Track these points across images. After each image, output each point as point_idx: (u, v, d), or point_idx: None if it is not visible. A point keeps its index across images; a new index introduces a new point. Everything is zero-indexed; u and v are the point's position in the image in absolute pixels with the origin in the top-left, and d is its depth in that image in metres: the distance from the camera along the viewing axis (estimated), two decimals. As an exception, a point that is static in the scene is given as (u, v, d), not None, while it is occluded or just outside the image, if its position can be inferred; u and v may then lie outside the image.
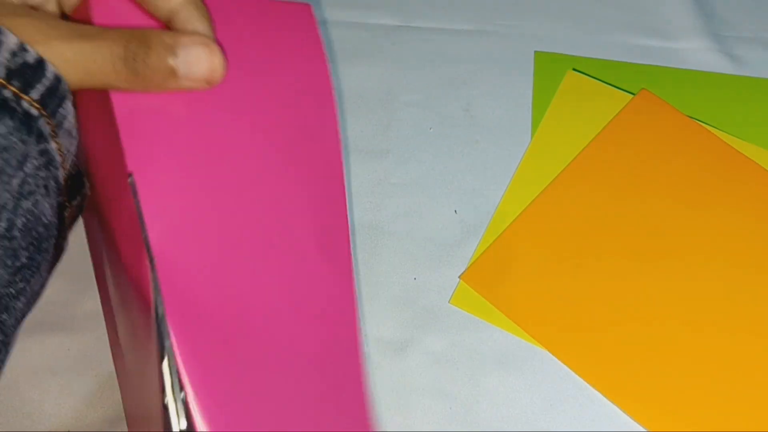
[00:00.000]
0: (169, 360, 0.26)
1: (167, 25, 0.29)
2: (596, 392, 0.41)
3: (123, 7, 0.29)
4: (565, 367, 0.42)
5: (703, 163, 0.47)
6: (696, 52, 0.53)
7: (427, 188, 0.47)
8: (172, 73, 0.27)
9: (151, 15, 0.29)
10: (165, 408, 0.26)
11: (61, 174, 0.28)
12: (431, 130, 0.49)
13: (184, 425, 0.25)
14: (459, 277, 0.44)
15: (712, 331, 0.42)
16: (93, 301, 0.41)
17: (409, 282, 0.44)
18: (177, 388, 0.26)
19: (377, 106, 0.50)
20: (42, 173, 0.27)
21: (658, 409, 0.40)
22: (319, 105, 0.32)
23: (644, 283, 0.44)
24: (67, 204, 0.30)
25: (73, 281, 0.42)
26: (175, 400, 0.26)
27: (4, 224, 0.26)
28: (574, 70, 0.51)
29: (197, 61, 0.28)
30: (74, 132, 0.28)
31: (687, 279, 0.44)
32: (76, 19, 0.30)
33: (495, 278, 0.44)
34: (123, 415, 0.39)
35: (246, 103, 0.30)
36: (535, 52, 0.52)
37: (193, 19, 0.28)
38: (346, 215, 0.34)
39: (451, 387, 0.41)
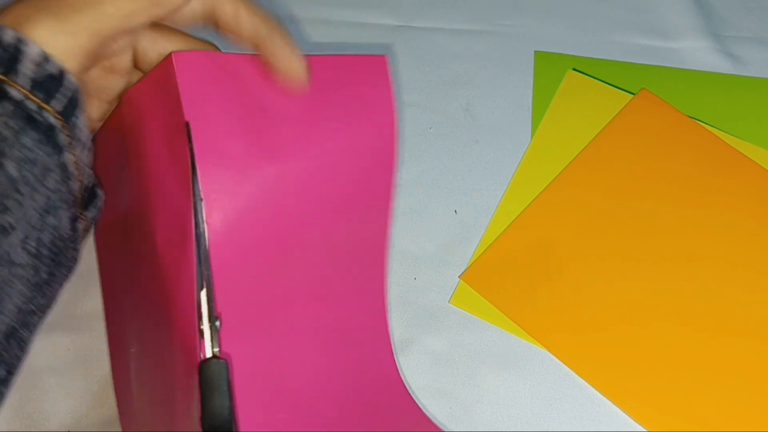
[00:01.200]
0: (207, 289, 0.28)
1: (255, 47, 0.30)
2: (596, 392, 0.41)
3: (211, 74, 0.29)
4: (565, 367, 0.42)
5: (703, 163, 0.47)
6: (696, 52, 0.53)
7: (427, 188, 0.47)
8: None
9: (242, 86, 0.30)
10: (201, 333, 0.28)
11: (76, 186, 0.28)
12: (431, 130, 0.49)
13: (216, 349, 0.28)
14: (459, 277, 0.44)
15: (712, 331, 0.42)
16: (93, 301, 0.41)
17: (409, 282, 0.44)
18: (213, 316, 0.28)
19: (377, 106, 0.50)
20: (62, 187, 0.27)
21: (658, 409, 0.40)
22: (380, 164, 0.34)
23: (644, 282, 0.44)
24: (80, 216, 0.30)
25: (73, 281, 0.41)
26: (211, 328, 0.28)
27: (33, 244, 0.27)
28: (574, 70, 0.51)
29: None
30: (88, 144, 0.29)
31: (687, 279, 0.44)
32: (150, 83, 0.30)
33: (495, 278, 0.44)
34: (123, 415, 0.39)
35: (316, 159, 0.31)
36: (535, 52, 0.52)
37: (277, 38, 0.30)
38: (386, 262, 0.37)
39: (451, 387, 0.41)
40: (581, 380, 0.41)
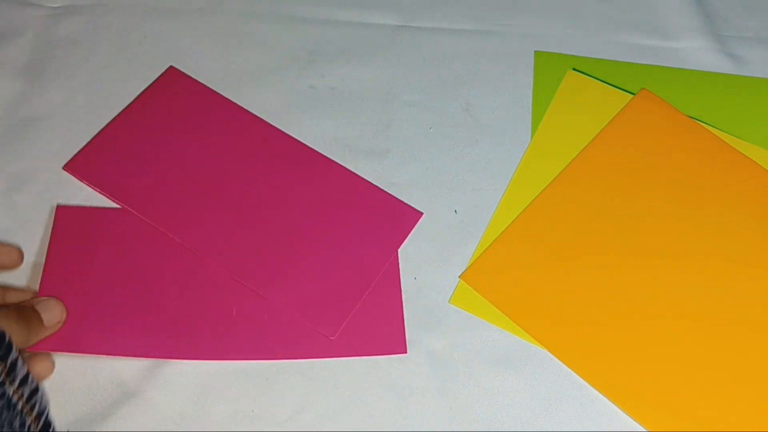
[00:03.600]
0: None
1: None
2: (596, 392, 0.41)
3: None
4: (565, 367, 0.42)
5: (703, 163, 0.47)
6: (696, 52, 0.53)
7: (427, 188, 0.47)
8: (42, 325, 0.39)
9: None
10: None
11: (29, 421, 0.34)
12: (431, 130, 0.49)
13: None
14: (459, 277, 0.44)
15: (713, 331, 0.42)
16: (93, 301, 0.41)
17: (409, 282, 0.44)
18: None
19: (377, 106, 0.50)
20: (5, 413, 0.33)
21: (658, 408, 0.40)
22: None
23: (644, 282, 0.44)
24: None
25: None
26: None
27: None
28: (574, 70, 0.51)
29: (53, 310, 0.40)
30: (34, 384, 0.35)
31: (687, 279, 0.44)
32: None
33: (495, 278, 0.44)
34: (123, 414, 0.39)
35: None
36: (535, 52, 0.52)
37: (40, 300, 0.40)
38: None
39: (451, 387, 0.41)
40: (581, 380, 0.41)
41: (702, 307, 0.43)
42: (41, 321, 0.39)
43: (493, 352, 0.42)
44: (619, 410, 0.40)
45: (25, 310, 0.38)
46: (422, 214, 0.45)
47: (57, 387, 0.40)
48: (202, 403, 0.40)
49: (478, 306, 0.43)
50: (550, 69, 0.51)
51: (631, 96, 0.50)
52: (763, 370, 0.41)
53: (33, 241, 0.43)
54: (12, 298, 0.41)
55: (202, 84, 0.48)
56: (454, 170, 0.48)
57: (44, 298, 0.40)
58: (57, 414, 0.39)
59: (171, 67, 0.49)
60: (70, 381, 0.40)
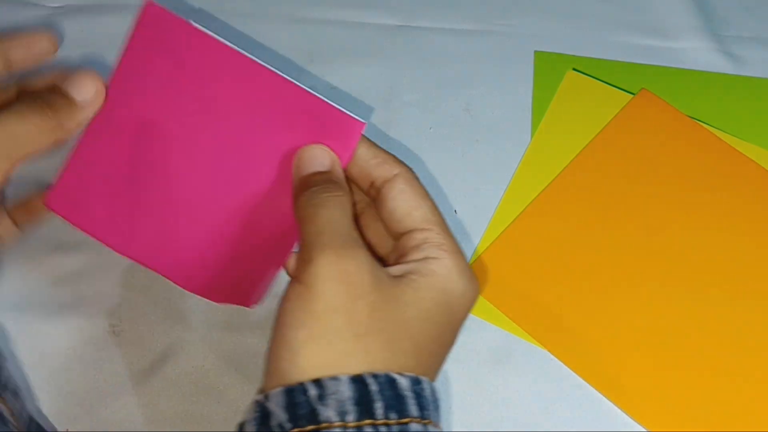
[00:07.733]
0: None
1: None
2: (596, 392, 0.41)
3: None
4: (565, 367, 0.42)
5: (703, 163, 0.47)
6: (696, 52, 0.53)
7: (427, 188, 0.47)
8: (73, 103, 0.32)
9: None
10: None
11: (14, 429, 0.32)
12: (431, 129, 0.49)
13: None
14: (459, 277, 0.44)
15: (713, 331, 0.42)
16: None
17: (409, 282, 0.44)
18: None
19: (377, 106, 0.50)
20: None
21: (658, 408, 0.40)
22: None
23: (643, 283, 0.44)
24: None
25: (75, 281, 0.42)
26: None
27: None
28: (574, 70, 0.51)
29: (83, 84, 0.32)
30: (20, 394, 0.33)
31: (687, 279, 0.44)
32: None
33: (495, 278, 0.44)
34: (123, 415, 0.39)
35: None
36: (535, 52, 0.52)
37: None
38: None
39: (451, 387, 0.41)
40: (581, 380, 0.41)
41: (701, 306, 0.43)
42: (71, 100, 0.31)
43: (493, 352, 0.42)
44: (619, 410, 0.40)
45: (43, 95, 0.31)
46: (365, 123, 0.33)
47: (57, 387, 0.40)
48: (202, 403, 0.40)
49: (478, 306, 0.43)
50: (550, 69, 0.51)
51: (631, 96, 0.50)
52: (763, 370, 0.41)
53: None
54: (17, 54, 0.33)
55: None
56: (454, 170, 0.48)
57: (78, 71, 0.32)
58: (57, 413, 0.39)
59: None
60: (71, 380, 0.40)
